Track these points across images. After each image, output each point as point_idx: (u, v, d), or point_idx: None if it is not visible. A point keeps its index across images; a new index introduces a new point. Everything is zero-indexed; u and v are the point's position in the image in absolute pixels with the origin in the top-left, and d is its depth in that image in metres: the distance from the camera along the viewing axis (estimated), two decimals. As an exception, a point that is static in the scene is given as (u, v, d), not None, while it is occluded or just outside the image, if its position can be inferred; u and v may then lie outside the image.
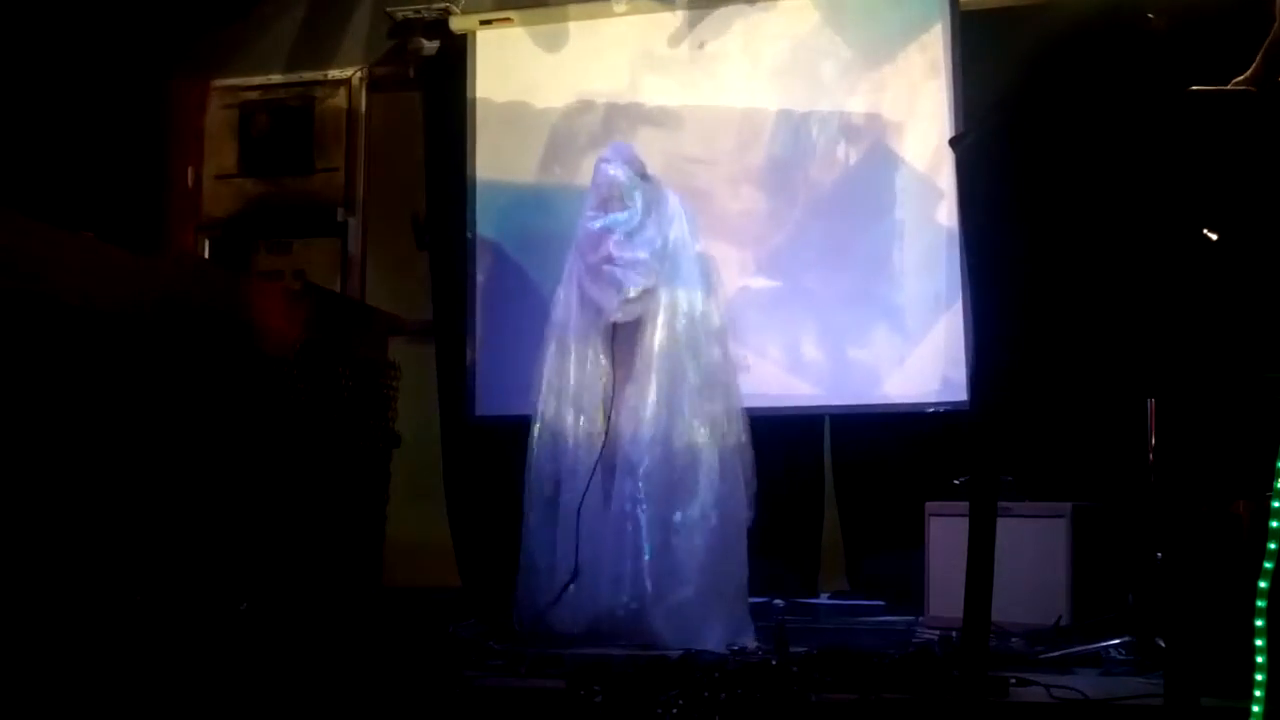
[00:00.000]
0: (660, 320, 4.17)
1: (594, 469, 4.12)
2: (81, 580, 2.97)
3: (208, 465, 3.35)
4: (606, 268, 4.17)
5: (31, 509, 2.87)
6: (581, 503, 4.08)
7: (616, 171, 4.29)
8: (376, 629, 3.70)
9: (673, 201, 4.36)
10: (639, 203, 4.25)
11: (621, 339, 4.22)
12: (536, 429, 4.29)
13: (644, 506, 4.02)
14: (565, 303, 4.36)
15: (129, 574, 3.08)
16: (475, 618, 4.18)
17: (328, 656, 3.28)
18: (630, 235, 4.20)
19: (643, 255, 4.17)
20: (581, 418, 4.20)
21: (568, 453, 4.19)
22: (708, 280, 4.34)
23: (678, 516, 4.00)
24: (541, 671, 3.29)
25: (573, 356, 4.26)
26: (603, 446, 4.14)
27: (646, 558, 3.98)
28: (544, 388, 4.31)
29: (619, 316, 4.18)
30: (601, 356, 4.23)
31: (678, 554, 3.97)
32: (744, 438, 4.19)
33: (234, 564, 3.37)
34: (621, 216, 4.22)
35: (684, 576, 3.95)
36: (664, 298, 4.19)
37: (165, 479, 3.23)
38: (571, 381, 4.24)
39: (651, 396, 4.10)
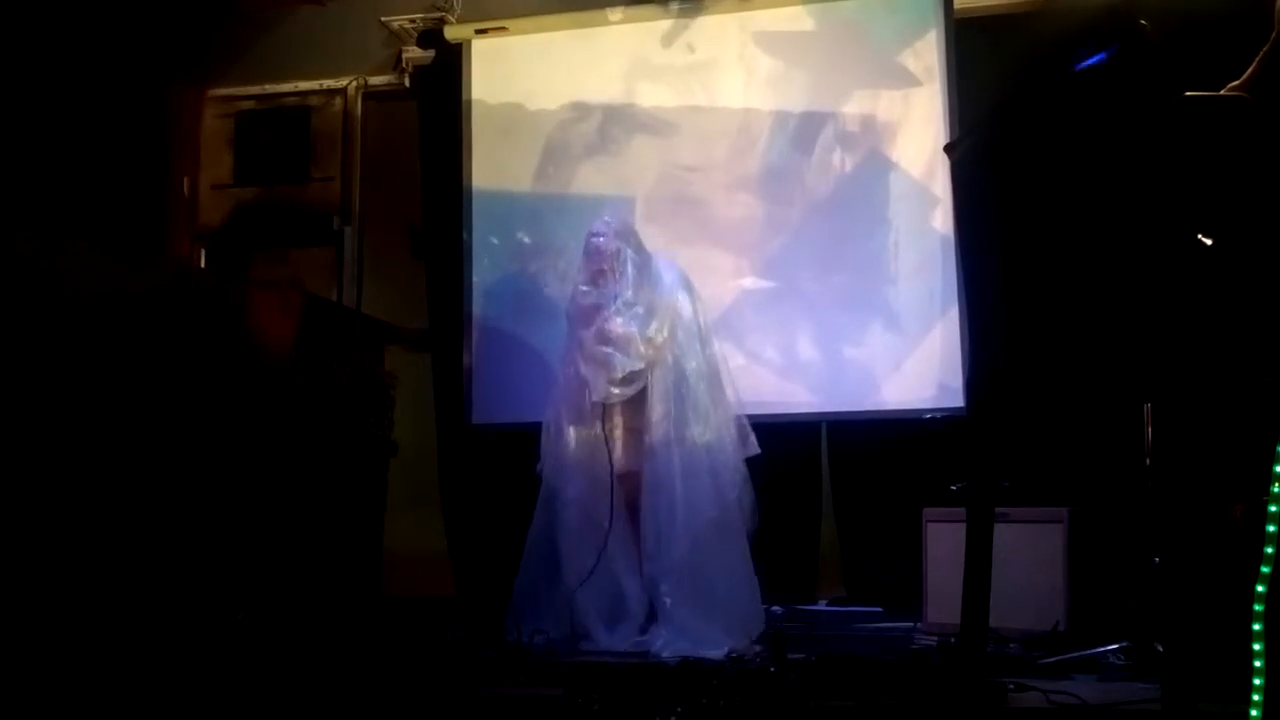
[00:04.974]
0: (658, 394, 4.05)
1: (598, 560, 4.03)
2: (77, 587, 2.97)
3: (204, 474, 3.35)
4: (599, 348, 4.07)
5: (28, 515, 2.87)
6: (587, 578, 4.02)
7: (608, 244, 4.14)
8: (375, 638, 3.70)
9: (668, 272, 4.22)
10: (630, 276, 4.11)
11: (622, 411, 4.13)
12: (539, 498, 4.23)
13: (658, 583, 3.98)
14: (564, 375, 4.27)
15: (126, 582, 3.08)
16: (472, 626, 4.16)
17: (326, 665, 3.28)
18: (621, 310, 4.08)
19: (634, 332, 4.05)
20: (580, 488, 4.12)
21: (571, 528, 4.11)
22: (707, 344, 4.20)
23: (685, 581, 3.95)
24: (540, 679, 3.29)
25: (570, 433, 4.17)
26: (608, 528, 4.04)
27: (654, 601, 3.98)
28: (545, 458, 4.24)
29: (607, 398, 4.06)
30: (595, 438, 4.11)
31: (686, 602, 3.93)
32: (744, 473, 4.15)
33: (231, 573, 3.36)
34: (613, 291, 4.10)
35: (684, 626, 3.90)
36: (662, 368, 4.06)
37: (161, 488, 3.23)
38: (569, 455, 4.16)
39: (654, 466, 4.02)
